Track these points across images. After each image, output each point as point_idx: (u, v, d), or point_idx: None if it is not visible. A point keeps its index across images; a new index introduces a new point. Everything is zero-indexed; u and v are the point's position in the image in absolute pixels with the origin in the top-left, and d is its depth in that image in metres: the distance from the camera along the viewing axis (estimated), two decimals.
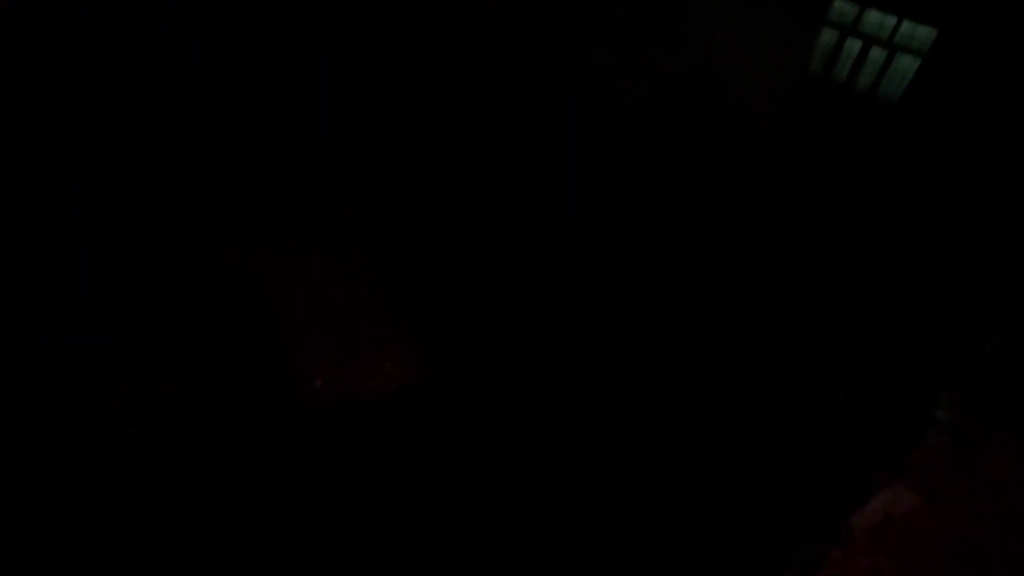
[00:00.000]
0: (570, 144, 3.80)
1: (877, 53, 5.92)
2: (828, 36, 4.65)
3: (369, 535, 2.11)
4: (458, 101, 3.42)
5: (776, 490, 2.26)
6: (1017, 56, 2.89)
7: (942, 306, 3.03)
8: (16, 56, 3.06)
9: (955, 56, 3.06)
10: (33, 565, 2.01)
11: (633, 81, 3.46)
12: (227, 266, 2.84)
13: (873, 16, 6.27)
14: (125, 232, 2.88)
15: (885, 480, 2.03)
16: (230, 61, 3.23)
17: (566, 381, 2.64)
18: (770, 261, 3.36)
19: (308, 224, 3.09)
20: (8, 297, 2.55)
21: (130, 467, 2.20)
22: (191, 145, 3.21)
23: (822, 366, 2.81)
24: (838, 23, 3.33)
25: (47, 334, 2.49)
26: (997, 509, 1.99)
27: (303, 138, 3.37)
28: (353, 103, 3.43)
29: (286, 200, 3.19)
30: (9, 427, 2.26)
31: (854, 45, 5.59)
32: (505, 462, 2.33)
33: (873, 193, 3.30)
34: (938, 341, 2.86)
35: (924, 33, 5.99)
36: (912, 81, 3.20)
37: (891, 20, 6.16)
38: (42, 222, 2.79)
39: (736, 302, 3.16)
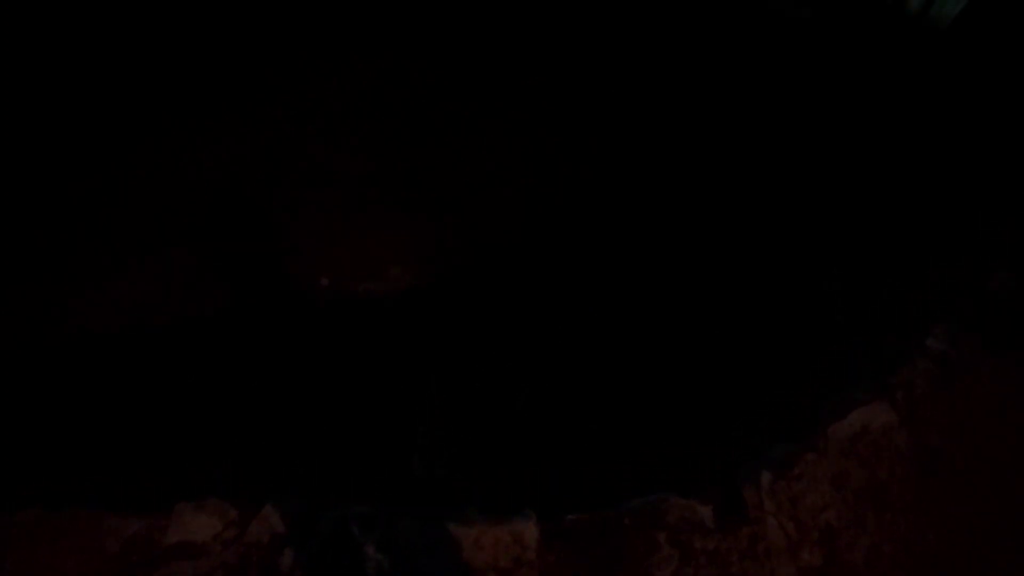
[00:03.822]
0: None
1: None
2: None
3: (370, 433, 2.26)
4: None
5: (761, 399, 2.40)
6: None
7: (944, 240, 3.02)
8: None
9: None
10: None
11: None
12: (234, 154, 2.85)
13: None
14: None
15: (866, 399, 2.12)
16: None
17: (573, 284, 2.71)
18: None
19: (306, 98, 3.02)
20: None
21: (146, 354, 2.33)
22: None
23: (826, 290, 2.86)
24: None
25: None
26: (971, 425, 2.09)
27: None
28: None
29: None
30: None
31: None
32: (510, 365, 2.45)
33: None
34: (937, 273, 2.88)
35: None
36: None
37: None
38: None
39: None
